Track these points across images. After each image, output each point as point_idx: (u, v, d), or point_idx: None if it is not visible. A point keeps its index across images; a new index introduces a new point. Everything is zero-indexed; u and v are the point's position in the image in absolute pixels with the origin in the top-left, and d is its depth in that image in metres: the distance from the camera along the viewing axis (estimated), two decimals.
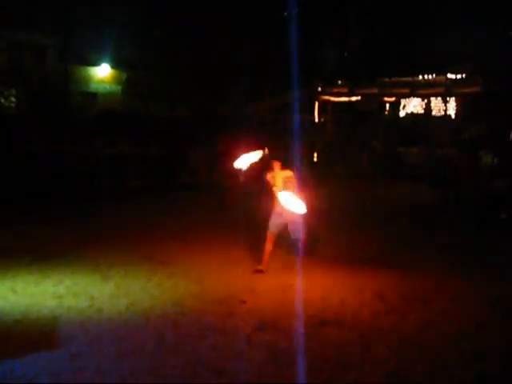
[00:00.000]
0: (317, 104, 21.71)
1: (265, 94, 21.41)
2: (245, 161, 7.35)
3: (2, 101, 19.59)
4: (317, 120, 21.79)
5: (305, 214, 6.92)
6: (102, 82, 22.38)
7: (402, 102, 22.41)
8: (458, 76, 21.02)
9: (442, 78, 20.96)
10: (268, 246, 7.38)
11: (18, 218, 10.88)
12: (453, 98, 20.96)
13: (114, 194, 14.11)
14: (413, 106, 22.20)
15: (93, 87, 22.36)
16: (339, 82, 22.61)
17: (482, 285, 6.97)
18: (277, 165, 7.24)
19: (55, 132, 15.80)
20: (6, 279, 6.81)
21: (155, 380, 4.31)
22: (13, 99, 19.92)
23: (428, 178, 15.82)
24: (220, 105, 20.45)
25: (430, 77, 21.41)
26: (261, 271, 7.34)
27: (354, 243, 9.22)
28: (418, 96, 21.68)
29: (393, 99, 22.42)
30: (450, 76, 20.98)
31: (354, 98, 21.75)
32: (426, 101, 21.68)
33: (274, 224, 7.32)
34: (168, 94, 20.26)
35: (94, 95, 22.44)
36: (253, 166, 7.47)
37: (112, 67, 22.23)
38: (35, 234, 9.52)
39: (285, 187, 7.05)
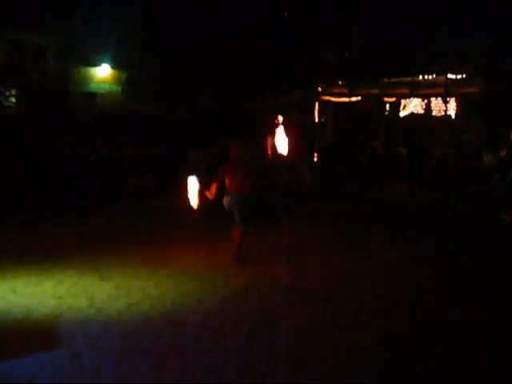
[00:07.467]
0: (317, 104, 21.70)
1: (266, 94, 21.40)
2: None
3: (2, 101, 19.59)
4: (317, 120, 21.78)
5: None
6: (102, 82, 22.37)
7: (402, 102, 22.41)
8: (458, 76, 21.01)
9: (442, 78, 20.93)
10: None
11: (18, 218, 10.88)
12: (453, 98, 20.94)
13: (113, 194, 14.12)
14: (413, 106, 22.19)
15: (93, 87, 22.35)
16: (339, 82, 22.60)
17: None
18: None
19: (55, 132, 15.80)
20: (5, 279, 6.81)
21: (155, 380, 4.31)
22: (13, 99, 19.92)
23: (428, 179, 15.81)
24: (220, 105, 20.43)
25: (430, 77, 21.39)
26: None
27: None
28: (418, 96, 21.67)
29: (393, 99, 22.42)
30: (450, 76, 20.97)
31: (354, 99, 21.75)
32: (426, 101, 21.68)
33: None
34: (168, 94, 20.25)
35: (94, 95, 22.43)
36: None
37: (112, 67, 22.21)
38: (35, 234, 9.52)
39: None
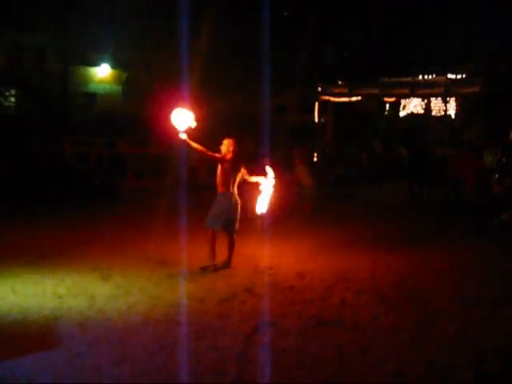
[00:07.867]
0: (317, 104, 21.71)
1: (266, 93, 21.40)
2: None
3: (2, 101, 19.60)
4: (317, 120, 21.80)
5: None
6: (101, 82, 22.36)
7: (402, 102, 22.45)
8: (458, 76, 21.04)
9: (441, 78, 20.97)
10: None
11: (18, 218, 10.88)
12: (453, 98, 20.99)
13: (113, 193, 14.12)
14: (413, 106, 22.24)
15: (92, 87, 22.34)
16: (339, 82, 22.63)
17: None
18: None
19: (55, 132, 15.82)
20: (6, 279, 6.80)
21: (155, 381, 4.30)
22: (13, 99, 19.93)
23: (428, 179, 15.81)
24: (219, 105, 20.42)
25: (430, 77, 21.43)
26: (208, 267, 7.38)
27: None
28: (418, 96, 21.72)
29: (393, 99, 22.45)
30: (450, 76, 21.00)
31: (354, 98, 21.77)
32: (426, 101, 21.72)
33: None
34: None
35: (93, 95, 22.42)
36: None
37: (112, 67, 22.20)
38: (35, 234, 9.52)
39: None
